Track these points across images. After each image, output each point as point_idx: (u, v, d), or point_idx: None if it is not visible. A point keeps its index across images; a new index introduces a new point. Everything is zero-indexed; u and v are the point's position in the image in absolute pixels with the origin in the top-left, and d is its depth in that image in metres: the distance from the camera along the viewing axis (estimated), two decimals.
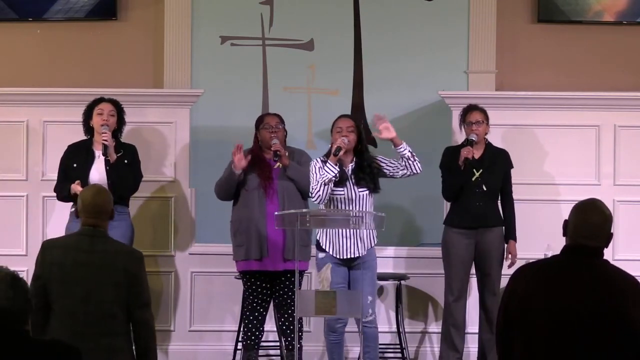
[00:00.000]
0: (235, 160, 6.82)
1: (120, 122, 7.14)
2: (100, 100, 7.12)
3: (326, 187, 6.53)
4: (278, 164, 6.86)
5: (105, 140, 6.91)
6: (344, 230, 6.53)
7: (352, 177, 6.66)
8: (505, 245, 7.23)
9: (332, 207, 6.61)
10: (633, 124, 7.82)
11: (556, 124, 7.81)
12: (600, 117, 7.82)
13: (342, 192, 6.64)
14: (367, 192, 6.66)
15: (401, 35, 8.61)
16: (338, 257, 6.59)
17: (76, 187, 6.74)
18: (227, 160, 7.04)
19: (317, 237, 6.68)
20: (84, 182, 6.82)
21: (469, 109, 7.28)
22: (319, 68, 8.64)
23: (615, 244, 7.68)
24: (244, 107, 8.50)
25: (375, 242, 6.70)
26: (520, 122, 7.79)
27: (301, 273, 6.73)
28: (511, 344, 4.04)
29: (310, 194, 6.63)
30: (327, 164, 6.54)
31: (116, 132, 7.11)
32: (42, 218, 7.71)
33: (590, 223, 4.02)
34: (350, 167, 6.68)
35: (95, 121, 7.04)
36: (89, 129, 7.11)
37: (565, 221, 4.09)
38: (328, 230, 6.58)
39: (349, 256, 6.57)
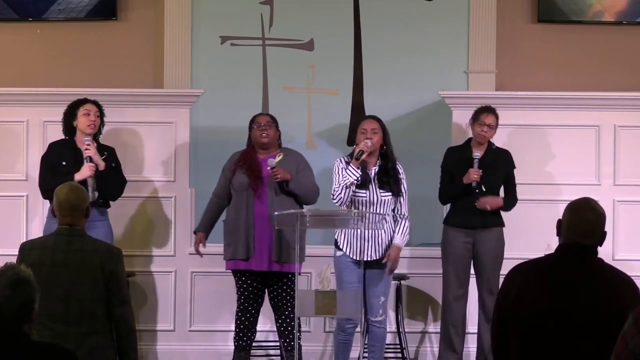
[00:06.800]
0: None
1: (101, 123, 7.11)
2: (84, 101, 7.06)
3: (347, 190, 6.47)
4: (269, 167, 6.77)
5: (88, 150, 6.85)
6: (363, 232, 6.48)
7: (376, 179, 6.61)
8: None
9: (353, 209, 6.55)
10: (633, 124, 7.82)
11: (556, 124, 7.81)
12: (600, 117, 7.82)
13: (365, 195, 6.58)
14: (390, 196, 6.61)
15: (401, 35, 8.60)
16: (355, 257, 6.57)
17: (89, 169, 6.77)
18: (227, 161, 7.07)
19: (335, 236, 6.66)
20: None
21: (485, 110, 7.24)
22: (319, 68, 8.64)
23: (615, 244, 7.69)
24: (244, 107, 8.48)
25: None
26: (520, 122, 7.79)
27: (292, 274, 6.68)
28: (507, 344, 4.04)
29: (332, 195, 6.58)
30: (349, 167, 6.48)
31: (96, 135, 7.07)
32: (42, 218, 7.69)
33: (585, 221, 4.03)
34: (373, 169, 6.64)
35: (81, 121, 6.98)
36: (71, 129, 7.04)
37: (559, 220, 4.10)
38: (346, 230, 6.55)
39: (365, 259, 6.51)
